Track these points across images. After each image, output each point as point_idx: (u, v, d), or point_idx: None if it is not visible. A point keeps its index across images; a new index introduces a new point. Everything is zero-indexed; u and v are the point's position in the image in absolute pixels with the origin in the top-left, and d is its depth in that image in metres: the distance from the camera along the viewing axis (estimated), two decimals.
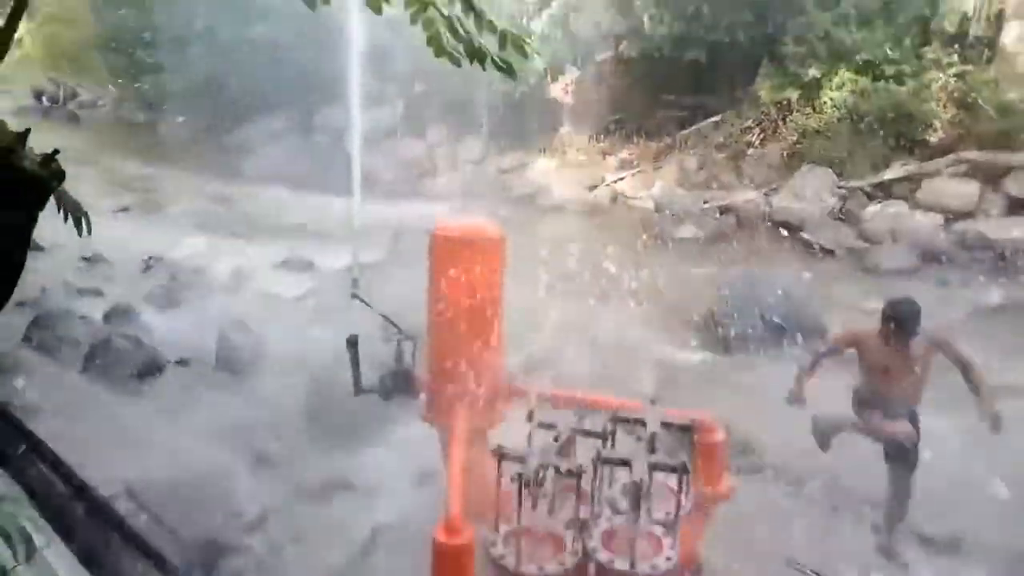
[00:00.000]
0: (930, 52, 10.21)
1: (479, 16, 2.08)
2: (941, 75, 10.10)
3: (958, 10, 10.22)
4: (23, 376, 4.15)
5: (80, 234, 1.77)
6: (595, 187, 11.76)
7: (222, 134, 15.95)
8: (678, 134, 12.14)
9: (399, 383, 2.81)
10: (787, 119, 10.95)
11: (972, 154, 9.47)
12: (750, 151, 11.27)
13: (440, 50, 2.05)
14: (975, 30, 10.18)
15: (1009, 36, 10.15)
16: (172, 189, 12.14)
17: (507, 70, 2.12)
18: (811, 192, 10.04)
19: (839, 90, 10.39)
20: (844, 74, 10.40)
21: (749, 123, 11.36)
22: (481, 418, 2.69)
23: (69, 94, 23.07)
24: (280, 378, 4.97)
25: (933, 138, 10.16)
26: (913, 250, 8.83)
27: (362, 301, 2.81)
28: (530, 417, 2.47)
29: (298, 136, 15.14)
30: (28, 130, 1.47)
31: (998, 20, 10.16)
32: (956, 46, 10.24)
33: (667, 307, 6.99)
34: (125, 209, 10.22)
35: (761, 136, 11.33)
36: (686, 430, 2.43)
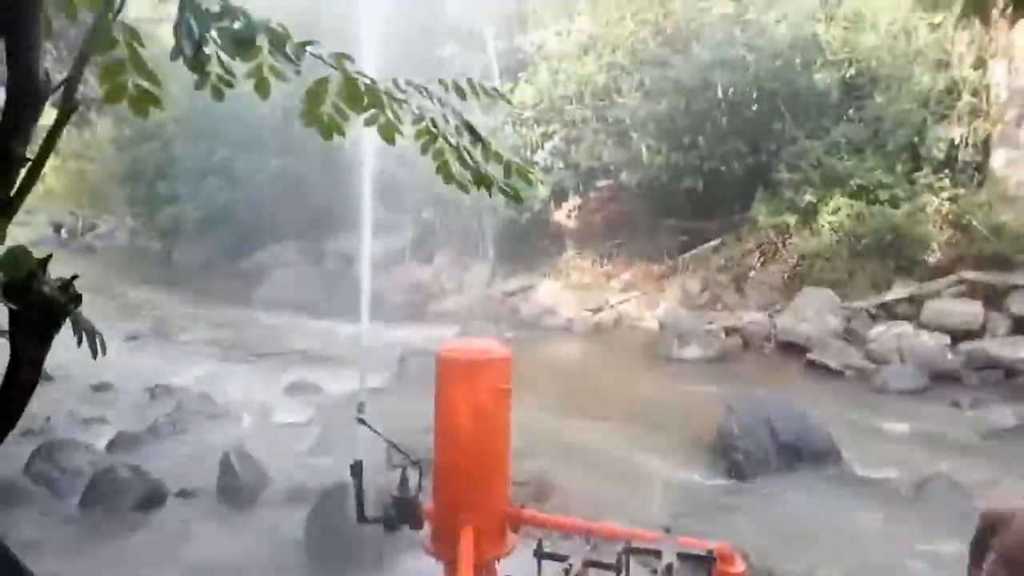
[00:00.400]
0: (922, 177, 10.55)
1: (486, 147, 2.22)
2: (934, 199, 10.39)
3: (945, 138, 10.65)
4: (23, 509, 4.08)
5: (95, 356, 1.80)
6: (599, 309, 11.88)
7: (234, 262, 16.37)
8: (679, 257, 12.37)
9: (403, 512, 2.74)
10: (786, 242, 11.17)
11: (972, 274, 9.58)
12: (751, 273, 11.44)
13: (449, 177, 2.19)
14: (963, 156, 10.56)
15: (997, 161, 10.52)
16: (182, 316, 12.33)
17: (513, 196, 2.23)
18: (814, 313, 10.09)
19: (835, 214, 10.66)
20: (839, 199, 10.70)
21: (749, 246, 11.59)
22: (488, 549, 2.62)
23: (88, 226, 23.84)
24: (282, 509, 4.86)
25: (931, 259, 10.34)
26: (921, 370, 8.76)
27: (367, 426, 2.78)
28: (539, 548, 2.40)
29: (308, 263, 15.52)
30: (50, 255, 1.54)
31: (985, 146, 10.57)
32: (946, 171, 10.60)
33: (675, 429, 6.91)
34: (135, 337, 10.32)
35: (761, 259, 11.53)
36: (704, 560, 2.35)
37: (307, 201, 16.22)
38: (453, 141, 2.16)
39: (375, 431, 2.89)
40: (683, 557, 2.33)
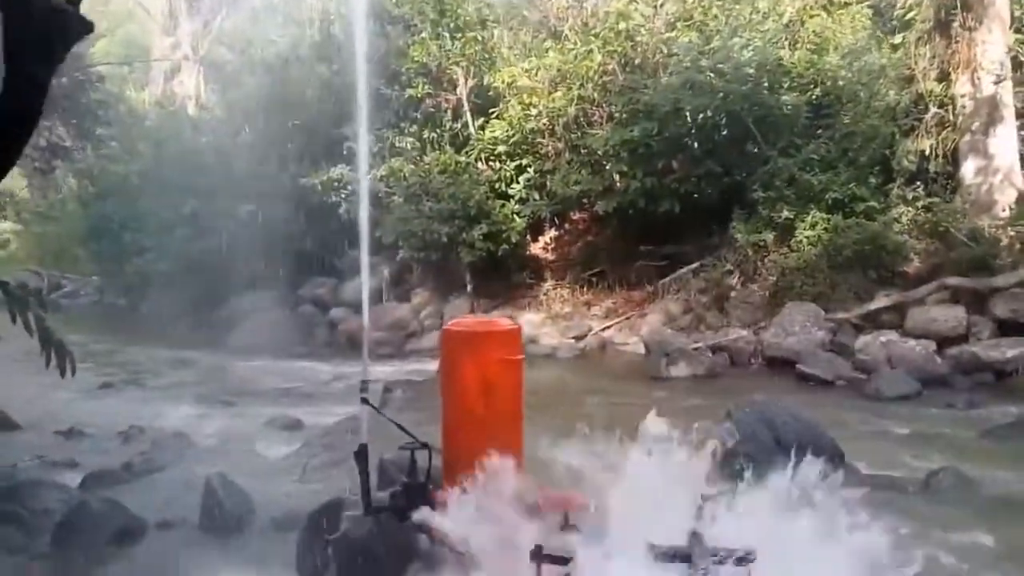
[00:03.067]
0: (895, 189, 10.69)
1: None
2: (909, 209, 10.51)
3: (915, 150, 10.84)
4: None
5: (63, 375, 1.64)
6: (583, 336, 11.74)
7: (206, 311, 15.99)
8: (659, 282, 12.33)
9: (414, 499, 2.53)
10: (765, 260, 11.18)
11: (954, 280, 9.63)
12: (733, 293, 11.41)
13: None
14: (934, 166, 10.75)
15: (967, 170, 10.72)
16: (155, 363, 11.95)
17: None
18: (799, 327, 10.05)
19: (812, 229, 10.72)
20: (816, 214, 10.77)
21: (728, 266, 11.58)
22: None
23: (52, 286, 23.27)
24: (271, 536, 4.57)
25: (911, 268, 10.43)
26: (912, 376, 8.73)
27: (372, 406, 2.59)
28: (565, 522, 2.21)
29: (284, 308, 15.21)
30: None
31: (955, 156, 10.77)
32: (919, 182, 10.76)
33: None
34: (107, 385, 9.94)
35: (742, 278, 11.51)
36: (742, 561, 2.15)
37: (279, 247, 16.02)
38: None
39: (380, 412, 2.71)
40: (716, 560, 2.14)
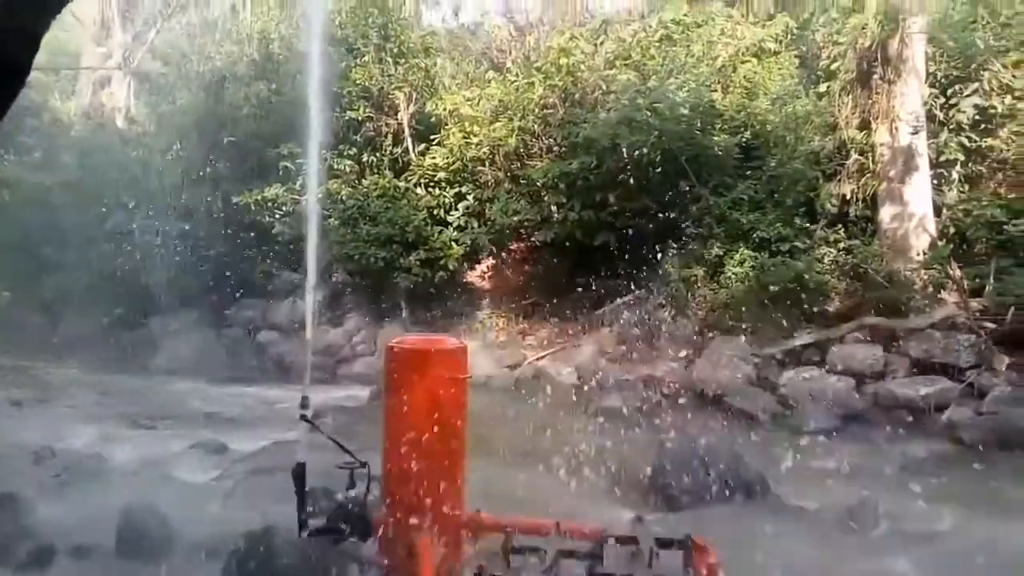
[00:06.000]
0: (818, 230, 11.15)
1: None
2: (831, 250, 10.97)
3: (837, 194, 11.35)
4: None
5: None
6: (517, 365, 11.76)
7: (128, 330, 15.37)
8: (594, 313, 12.47)
9: (351, 522, 2.48)
10: (696, 294, 11.46)
11: (872, 319, 10.06)
12: (664, 326, 11.62)
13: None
14: (854, 210, 11.27)
15: (885, 215, 11.27)
16: (70, 383, 11.41)
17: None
18: (727, 361, 10.31)
19: (740, 266, 11.05)
20: (744, 251, 11.13)
21: (661, 300, 11.81)
22: (447, 556, 2.38)
23: None
24: (192, 563, 4.38)
25: (832, 307, 10.85)
26: (833, 411, 9.06)
27: (310, 423, 2.53)
28: (506, 545, 2.20)
29: (209, 329, 14.75)
30: None
31: (874, 201, 11.31)
32: (840, 225, 11.25)
33: (604, 472, 6.79)
34: (16, 404, 9.43)
35: (673, 312, 11.75)
36: (682, 546, 2.21)
37: (208, 266, 15.58)
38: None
39: (319, 429, 2.65)
40: (660, 544, 2.20)
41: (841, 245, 11.03)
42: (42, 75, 26.41)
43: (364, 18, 14.86)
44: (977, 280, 10.04)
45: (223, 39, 18.98)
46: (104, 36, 25.55)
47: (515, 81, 13.91)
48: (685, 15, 13.96)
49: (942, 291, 10.20)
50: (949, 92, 11.66)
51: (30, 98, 23.13)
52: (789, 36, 13.64)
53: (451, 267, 13.29)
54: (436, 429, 2.40)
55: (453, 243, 13.44)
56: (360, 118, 14.30)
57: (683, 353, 10.97)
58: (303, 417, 2.52)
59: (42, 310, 18.55)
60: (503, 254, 14.57)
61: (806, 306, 10.68)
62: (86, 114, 22.70)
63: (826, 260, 10.99)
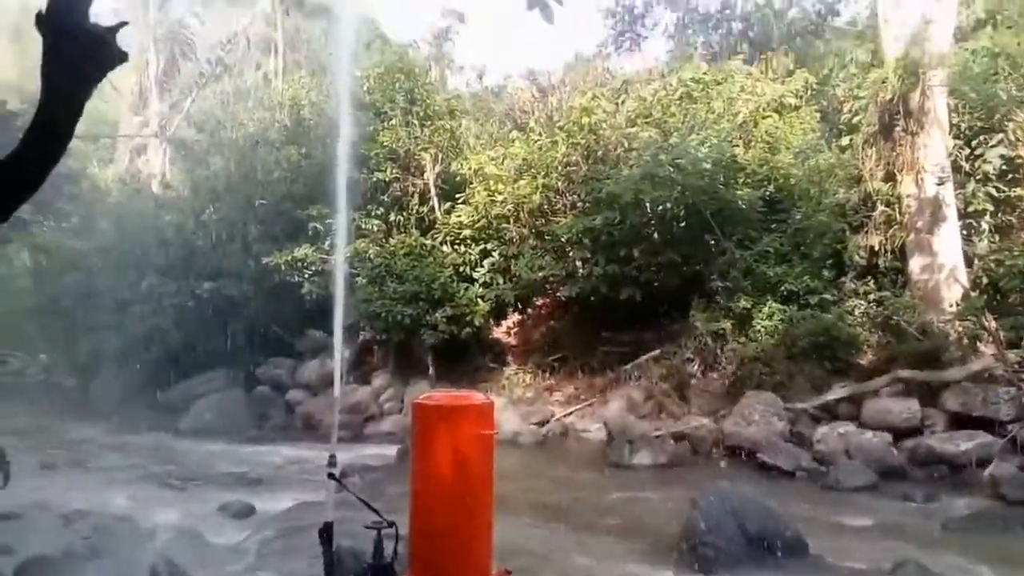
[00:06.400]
0: (848, 282, 11.04)
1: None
2: (862, 302, 10.84)
3: (865, 246, 11.27)
4: None
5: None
6: (545, 422, 11.66)
7: (159, 391, 15.56)
8: (621, 368, 12.37)
9: None
10: (724, 348, 11.34)
11: (906, 373, 9.84)
12: (693, 380, 11.50)
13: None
14: (884, 262, 11.15)
15: (914, 266, 11.14)
16: (100, 446, 11.51)
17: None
18: (759, 416, 10.11)
19: (770, 319, 10.95)
20: (772, 304, 11.03)
21: (689, 354, 11.71)
22: None
23: None
24: None
25: (864, 360, 10.66)
26: (869, 467, 8.81)
27: (337, 482, 2.53)
28: None
29: (238, 388, 14.86)
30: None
31: (903, 252, 11.20)
32: (869, 276, 11.14)
33: (637, 532, 6.66)
34: (49, 467, 9.51)
35: (702, 366, 11.63)
36: None
37: (238, 325, 15.79)
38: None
39: (346, 488, 2.64)
40: None
41: (871, 297, 10.91)
42: (81, 143, 27.44)
43: (392, 84, 15.29)
44: (1013, 331, 9.82)
45: (256, 106, 19.65)
46: (141, 105, 26.58)
47: (538, 140, 14.14)
48: (704, 74, 14.19)
49: (978, 343, 9.99)
50: (974, 143, 11.61)
51: (69, 166, 23.94)
52: (809, 91, 13.79)
53: (477, 323, 13.33)
54: (463, 485, 2.39)
55: (479, 299, 13.51)
56: (387, 179, 14.60)
57: (713, 409, 10.81)
58: (331, 476, 2.52)
59: (76, 372, 18.89)
60: (529, 310, 14.60)
61: (838, 359, 10.53)
62: (122, 180, 23.46)
63: (856, 312, 10.86)
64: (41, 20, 1.49)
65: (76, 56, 1.48)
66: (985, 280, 10.93)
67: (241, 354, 15.62)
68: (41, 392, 18.95)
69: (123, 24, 1.48)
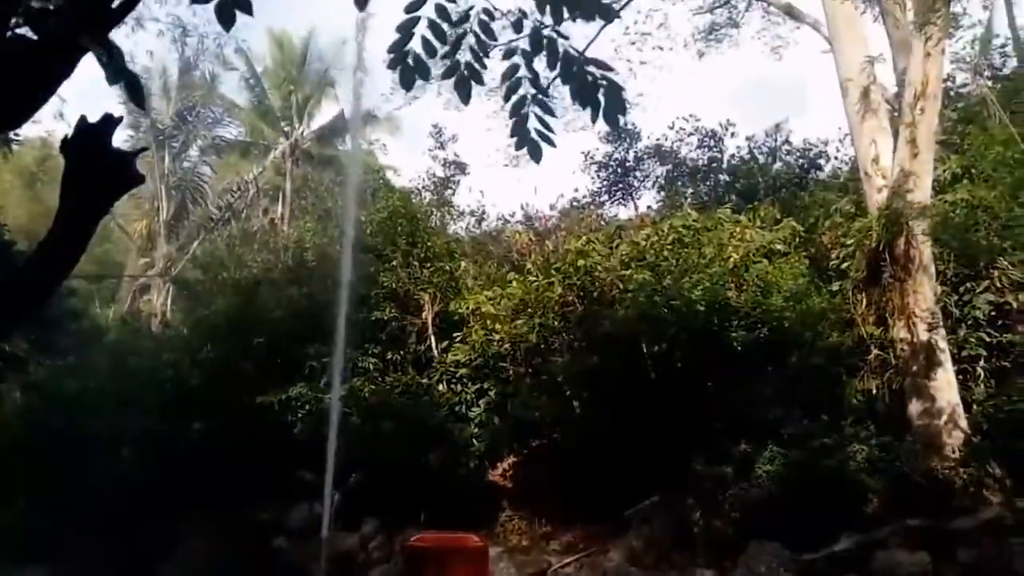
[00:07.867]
0: (848, 427, 10.92)
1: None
2: (863, 447, 10.67)
3: (863, 390, 11.25)
4: None
5: None
6: (542, 573, 11.14)
7: (141, 537, 14.88)
8: (620, 515, 11.98)
9: None
10: (727, 493, 11.04)
11: (914, 522, 9.56)
12: (696, 528, 11.11)
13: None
14: (882, 406, 11.08)
15: (913, 410, 11.06)
16: None
17: None
18: (766, 568, 9.74)
19: (771, 463, 10.74)
20: (773, 449, 10.86)
21: (690, 500, 11.38)
22: None
23: None
24: None
25: (869, 507, 10.35)
26: None
27: None
28: None
29: (223, 536, 14.26)
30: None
31: (900, 396, 11.15)
32: (869, 421, 11.03)
33: None
34: None
35: (704, 513, 11.28)
36: None
37: (226, 466, 15.36)
38: None
39: None
40: None
41: (873, 442, 10.75)
42: (86, 283, 27.93)
43: (394, 227, 15.78)
44: (1014, 478, 9.63)
45: (260, 248, 20.15)
46: (149, 247, 27.29)
47: (535, 281, 14.41)
48: (695, 221, 14.68)
49: (984, 490, 9.76)
50: (961, 289, 11.85)
51: (72, 305, 24.25)
52: (797, 239, 14.20)
53: (472, 465, 13.04)
54: None
55: (474, 440, 13.28)
56: (386, 318, 14.75)
57: (718, 558, 10.38)
58: None
59: (51, 518, 18.14)
60: (525, 451, 14.31)
61: (843, 506, 10.22)
62: (123, 319, 23.66)
63: (859, 457, 10.65)
64: (66, 144, 1.61)
65: (99, 175, 1.58)
66: (986, 425, 10.83)
67: (228, 497, 15.11)
68: (16, 537, 18.12)
69: (144, 149, 1.60)
